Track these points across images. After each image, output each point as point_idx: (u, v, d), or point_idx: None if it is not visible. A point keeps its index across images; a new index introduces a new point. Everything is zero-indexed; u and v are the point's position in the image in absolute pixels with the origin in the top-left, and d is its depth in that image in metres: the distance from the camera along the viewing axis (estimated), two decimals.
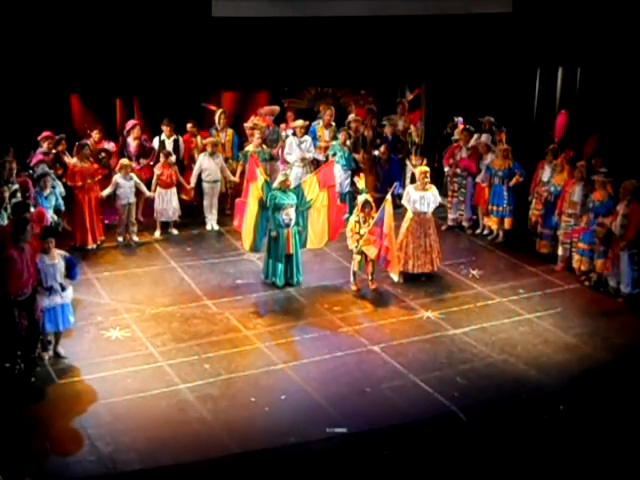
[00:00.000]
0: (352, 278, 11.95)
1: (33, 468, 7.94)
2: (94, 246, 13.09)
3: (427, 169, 12.49)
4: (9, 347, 9.24)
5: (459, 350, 10.34)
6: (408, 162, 15.00)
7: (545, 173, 13.08)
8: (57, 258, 9.58)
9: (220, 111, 14.88)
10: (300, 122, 14.65)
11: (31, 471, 7.88)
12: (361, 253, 11.78)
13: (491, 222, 13.82)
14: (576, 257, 12.23)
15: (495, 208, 13.62)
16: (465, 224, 14.30)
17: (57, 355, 9.84)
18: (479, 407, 9.14)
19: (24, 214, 10.18)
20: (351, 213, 12.24)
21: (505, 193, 13.52)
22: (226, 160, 14.43)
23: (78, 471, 7.96)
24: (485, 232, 14.07)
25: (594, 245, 11.86)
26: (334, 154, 14.25)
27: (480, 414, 9.03)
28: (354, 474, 8.26)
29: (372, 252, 11.62)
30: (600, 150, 12.63)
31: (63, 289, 9.65)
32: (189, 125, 14.51)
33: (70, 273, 9.75)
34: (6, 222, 10.47)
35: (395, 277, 11.77)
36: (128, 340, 10.36)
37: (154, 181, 13.69)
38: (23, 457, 8.05)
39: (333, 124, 15.20)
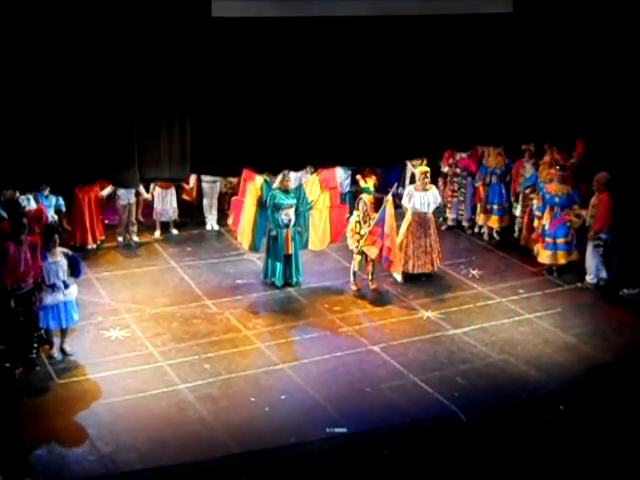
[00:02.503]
0: (352, 278, 11.95)
1: (33, 468, 7.94)
2: (94, 246, 13.09)
3: (427, 169, 12.48)
4: (5, 336, 9.27)
5: (459, 350, 10.35)
6: (408, 162, 14.98)
7: (527, 171, 13.16)
8: (59, 256, 9.65)
9: None
10: None
11: (31, 471, 7.89)
12: (361, 253, 11.78)
13: (492, 221, 13.80)
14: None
15: (496, 207, 13.65)
16: (465, 224, 14.29)
17: (63, 352, 9.90)
18: (479, 407, 9.14)
19: (16, 211, 10.33)
20: (351, 213, 12.25)
21: (504, 191, 13.63)
22: None
23: (78, 471, 7.96)
24: (479, 230, 14.07)
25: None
26: None
27: (480, 414, 9.03)
28: (354, 474, 8.26)
29: (373, 252, 11.63)
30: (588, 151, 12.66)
31: (66, 286, 9.71)
32: None
33: (74, 271, 9.81)
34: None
35: (398, 277, 11.80)
36: (128, 340, 10.36)
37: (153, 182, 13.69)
38: (23, 457, 8.05)
39: None
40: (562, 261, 12.26)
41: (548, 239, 12.24)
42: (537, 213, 12.61)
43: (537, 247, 12.53)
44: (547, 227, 12.23)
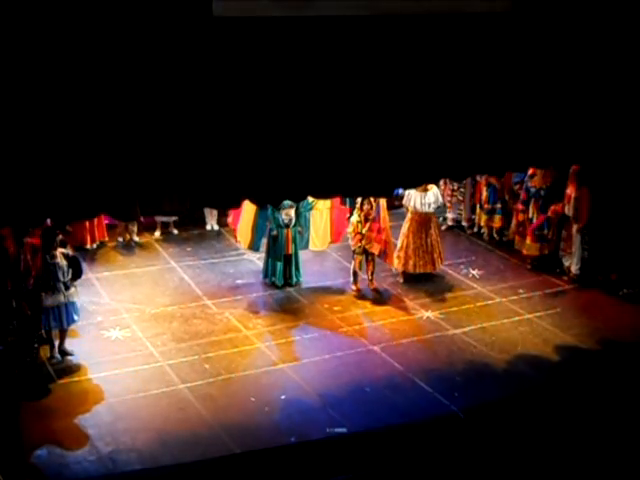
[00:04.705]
0: (352, 278, 11.95)
1: (33, 468, 7.94)
2: (93, 246, 13.08)
3: None
4: (5, 336, 9.29)
5: (459, 350, 10.36)
6: None
7: None
8: (59, 257, 9.64)
9: None
10: None
11: (31, 471, 7.89)
12: (363, 253, 11.78)
13: (496, 221, 13.74)
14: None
15: (499, 206, 13.64)
16: (465, 224, 14.28)
17: (64, 353, 9.89)
18: (479, 407, 9.15)
19: None
20: (352, 214, 12.24)
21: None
22: None
23: (78, 471, 7.97)
24: (478, 230, 14.07)
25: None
26: None
27: (480, 414, 9.04)
28: (354, 474, 8.26)
29: (376, 248, 11.71)
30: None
31: (67, 288, 9.71)
32: None
33: (75, 272, 9.82)
34: None
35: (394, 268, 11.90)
36: (128, 340, 10.36)
37: None
38: (23, 457, 8.06)
39: None
40: (544, 252, 12.53)
41: (537, 232, 12.41)
42: (519, 207, 12.70)
43: (527, 241, 12.59)
44: (534, 221, 12.38)
